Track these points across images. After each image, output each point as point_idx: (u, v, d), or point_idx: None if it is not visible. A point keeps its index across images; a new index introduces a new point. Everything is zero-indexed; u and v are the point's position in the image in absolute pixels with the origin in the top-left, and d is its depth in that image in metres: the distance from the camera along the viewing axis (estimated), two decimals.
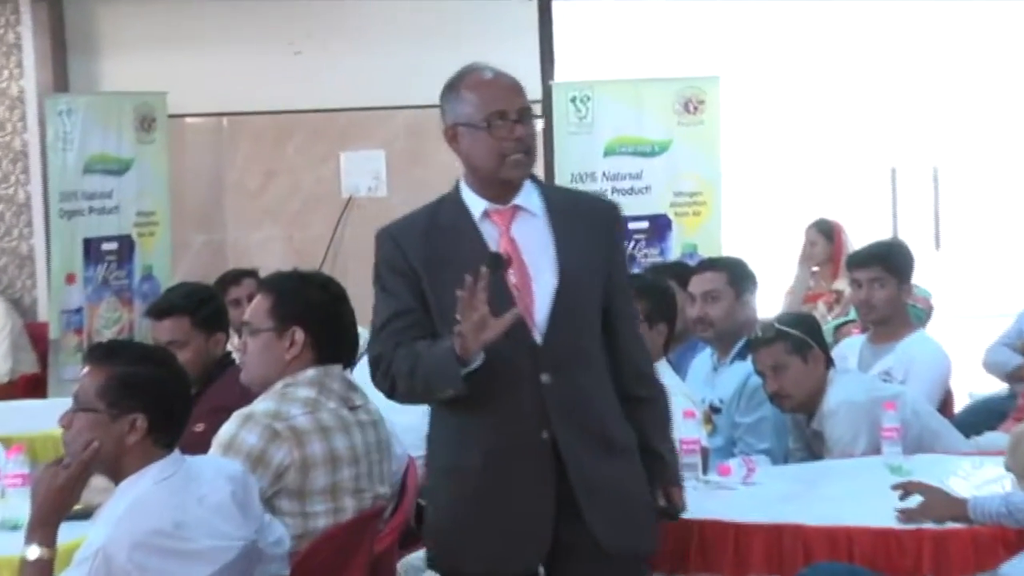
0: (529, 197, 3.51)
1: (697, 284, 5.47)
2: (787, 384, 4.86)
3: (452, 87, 3.48)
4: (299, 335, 3.88)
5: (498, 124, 3.39)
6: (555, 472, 3.42)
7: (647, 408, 3.60)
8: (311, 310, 3.91)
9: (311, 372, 3.88)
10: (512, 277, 3.40)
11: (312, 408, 3.82)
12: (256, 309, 3.96)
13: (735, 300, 5.40)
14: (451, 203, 3.50)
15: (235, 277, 6.81)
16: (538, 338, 3.41)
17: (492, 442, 3.43)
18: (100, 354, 3.40)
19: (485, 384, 3.34)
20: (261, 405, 3.82)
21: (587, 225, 3.53)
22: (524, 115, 3.43)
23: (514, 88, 3.47)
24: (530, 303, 3.41)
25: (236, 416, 3.78)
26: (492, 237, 3.46)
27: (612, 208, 3.65)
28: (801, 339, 4.87)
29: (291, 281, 4.02)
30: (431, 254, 3.44)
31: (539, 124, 8.50)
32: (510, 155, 3.41)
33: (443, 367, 3.32)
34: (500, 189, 3.47)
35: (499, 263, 3.36)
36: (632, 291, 3.76)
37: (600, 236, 3.55)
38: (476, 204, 3.48)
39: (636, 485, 3.52)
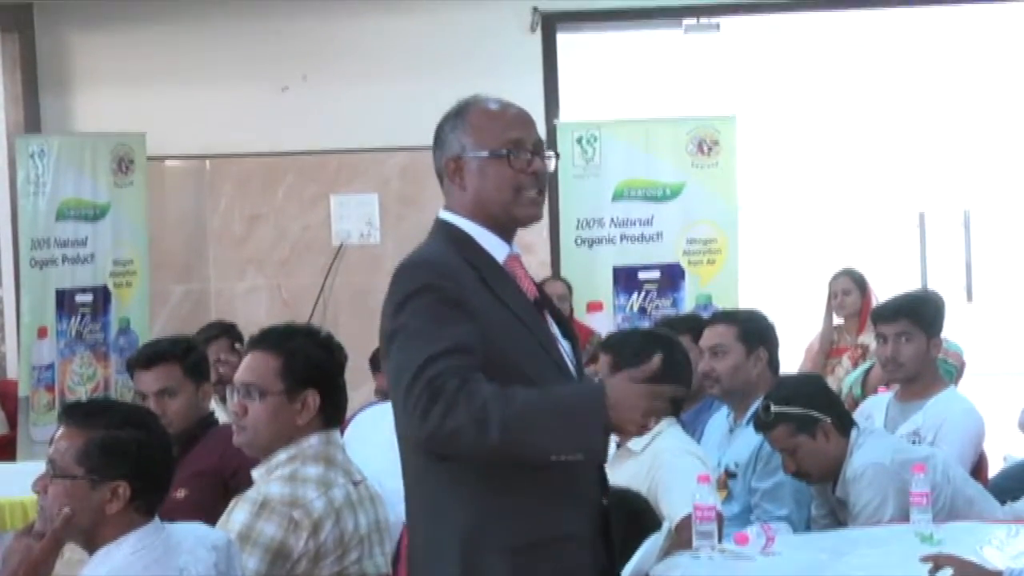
0: None
1: (706, 338, 5.56)
2: (803, 464, 4.91)
3: (458, 115, 3.33)
4: (312, 399, 3.87)
5: (516, 155, 3.25)
6: None
7: None
8: (322, 371, 3.90)
9: (314, 441, 3.88)
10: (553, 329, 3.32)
11: (325, 487, 3.81)
12: (261, 369, 3.89)
13: (744, 356, 5.44)
14: (465, 244, 3.27)
15: (217, 334, 6.87)
16: None
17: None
18: (79, 415, 3.39)
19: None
20: (275, 489, 3.78)
21: None
22: (539, 148, 3.31)
23: (529, 119, 3.35)
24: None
25: (247, 503, 3.75)
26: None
27: None
28: (801, 416, 4.88)
29: (295, 339, 3.96)
30: (490, 304, 3.18)
31: None
32: (526, 190, 3.26)
33: (585, 412, 3.02)
34: (503, 232, 3.30)
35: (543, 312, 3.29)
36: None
37: None
38: (498, 247, 3.29)
39: None
